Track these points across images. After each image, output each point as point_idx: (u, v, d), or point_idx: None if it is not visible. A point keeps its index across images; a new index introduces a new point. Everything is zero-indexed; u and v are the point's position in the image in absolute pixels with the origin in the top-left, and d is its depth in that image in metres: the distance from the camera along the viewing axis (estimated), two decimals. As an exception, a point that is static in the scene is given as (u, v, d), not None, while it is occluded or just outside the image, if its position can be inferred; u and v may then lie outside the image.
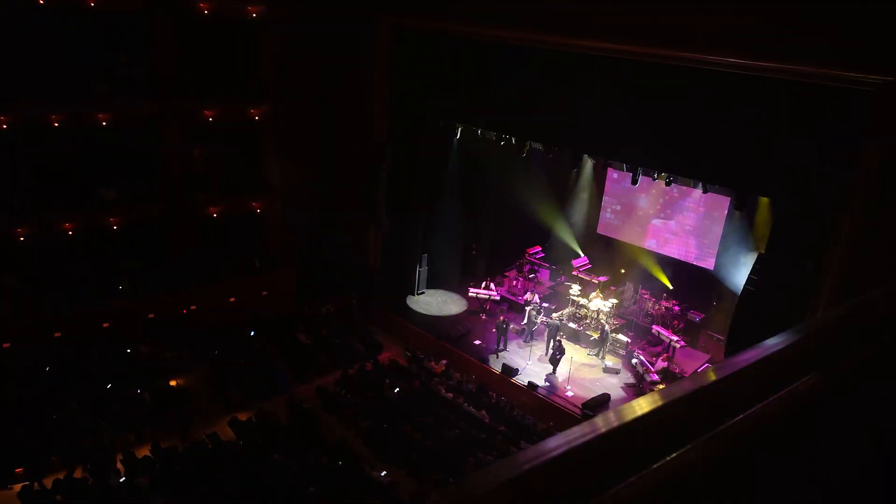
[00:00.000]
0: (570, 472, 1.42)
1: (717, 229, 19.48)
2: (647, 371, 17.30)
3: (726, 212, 19.06)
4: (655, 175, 18.33)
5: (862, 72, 12.02)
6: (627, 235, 21.83)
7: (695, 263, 20.25)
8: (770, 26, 12.75)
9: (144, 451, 14.39)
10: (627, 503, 1.26)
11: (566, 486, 1.37)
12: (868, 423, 1.88)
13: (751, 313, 14.38)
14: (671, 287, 20.40)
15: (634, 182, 17.76)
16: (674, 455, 1.37)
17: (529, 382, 17.32)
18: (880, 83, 11.88)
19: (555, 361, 17.76)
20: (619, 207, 22.06)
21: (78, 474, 13.34)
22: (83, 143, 18.65)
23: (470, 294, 21.37)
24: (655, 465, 1.34)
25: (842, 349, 2.02)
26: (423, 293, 22.37)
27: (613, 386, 17.56)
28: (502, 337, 19.09)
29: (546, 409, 16.70)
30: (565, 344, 18.43)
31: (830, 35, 12.07)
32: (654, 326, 19.09)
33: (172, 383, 17.02)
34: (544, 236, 23.48)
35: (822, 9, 12.17)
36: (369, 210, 21.11)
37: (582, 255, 22.27)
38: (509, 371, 17.78)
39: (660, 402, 1.69)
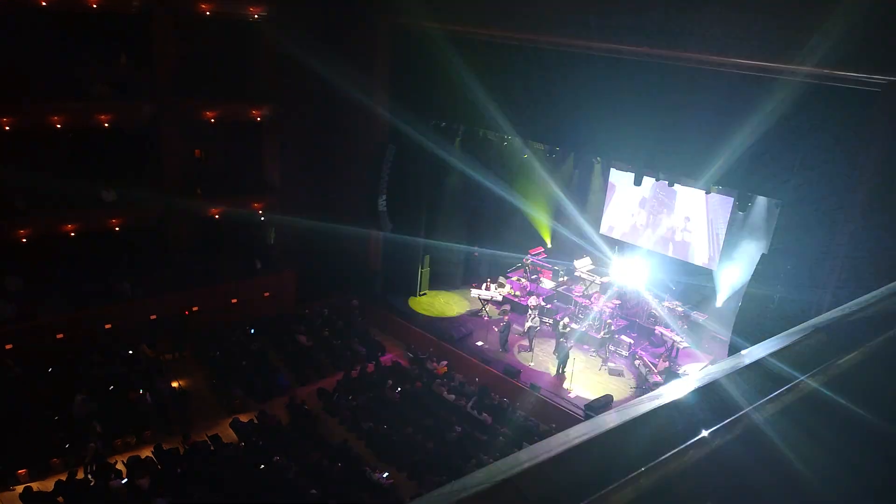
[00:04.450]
0: (569, 471, 1.40)
1: (721, 229, 19.43)
2: (650, 372, 17.25)
3: (730, 212, 19.01)
4: (658, 175, 18.30)
5: (866, 72, 11.98)
6: (630, 236, 21.79)
7: (698, 264, 20.20)
8: (774, 27, 12.72)
9: (146, 452, 14.39)
10: (626, 501, 1.24)
11: (565, 485, 1.35)
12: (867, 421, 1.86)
13: (754, 313, 14.34)
14: (674, 287, 20.35)
15: (638, 183, 17.72)
16: (672, 453, 1.35)
17: (532, 384, 17.28)
18: (884, 83, 11.84)
19: (563, 362, 17.77)
20: (621, 208, 22.01)
21: (80, 475, 13.33)
22: (84, 145, 18.65)
23: (472, 295, 21.33)
24: (654, 463, 1.31)
25: (844, 348, 2.00)
26: (424, 294, 22.35)
27: (616, 387, 17.50)
28: (504, 338, 19.06)
29: (548, 410, 16.65)
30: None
31: (834, 35, 12.02)
32: (656, 327, 19.04)
33: (174, 384, 17.01)
34: (547, 237, 23.44)
35: (826, 9, 12.14)
36: (371, 211, 21.10)
37: (584, 255, 22.23)
38: (511, 373, 17.74)
39: (660, 403, 1.66)
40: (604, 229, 22.52)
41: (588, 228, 22.47)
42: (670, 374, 17.16)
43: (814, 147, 13.09)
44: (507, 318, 19.47)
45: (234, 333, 19.24)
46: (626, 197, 21.76)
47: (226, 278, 20.47)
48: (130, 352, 17.76)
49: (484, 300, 21.04)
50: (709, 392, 1.70)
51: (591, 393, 17.12)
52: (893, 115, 11.95)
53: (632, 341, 18.91)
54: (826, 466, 1.60)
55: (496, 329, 19.29)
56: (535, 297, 20.09)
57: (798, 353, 1.92)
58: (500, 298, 21.08)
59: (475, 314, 21.23)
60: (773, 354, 1.90)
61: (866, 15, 11.72)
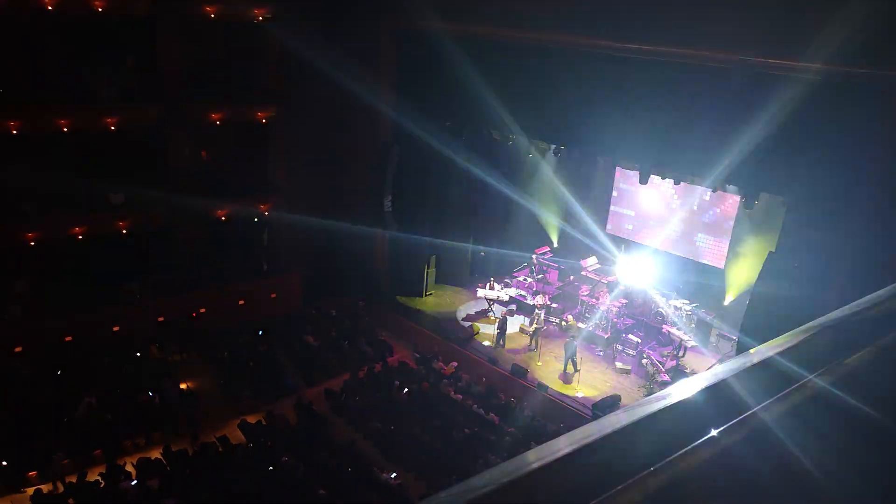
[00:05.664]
0: (577, 471, 1.40)
1: (728, 228, 19.37)
2: (658, 371, 17.20)
3: (737, 210, 18.95)
4: (665, 174, 18.27)
5: (874, 69, 11.92)
6: (637, 235, 21.74)
7: (705, 262, 20.14)
8: (783, 24, 12.67)
9: (155, 454, 14.44)
10: (635, 502, 1.24)
11: (573, 485, 1.35)
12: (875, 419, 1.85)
13: (762, 312, 14.28)
14: (681, 286, 20.29)
15: (643, 181, 17.68)
16: (681, 452, 1.35)
17: (539, 383, 17.26)
18: (893, 80, 11.79)
19: (573, 365, 17.73)
20: (627, 207, 21.96)
21: (90, 477, 13.39)
22: (92, 148, 18.73)
23: (478, 295, 21.33)
24: (663, 463, 1.31)
25: (852, 347, 1.99)
26: (431, 294, 22.35)
27: (624, 386, 17.46)
28: (501, 335, 19.06)
29: (556, 410, 16.63)
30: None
31: (843, 32, 11.96)
32: (664, 326, 18.98)
33: (182, 386, 17.07)
34: (553, 236, 23.42)
35: (835, 5, 12.08)
36: (377, 211, 21.11)
37: (591, 254, 22.20)
38: (519, 372, 17.73)
39: (668, 402, 1.66)
40: (610, 228, 22.48)
41: (594, 227, 22.44)
42: (678, 372, 17.11)
43: (822, 144, 13.03)
44: (503, 313, 19.43)
45: (242, 334, 19.30)
46: (632, 195, 21.72)
47: (233, 280, 20.54)
48: (138, 353, 17.84)
49: (490, 300, 21.03)
50: (717, 391, 1.70)
51: (598, 392, 17.09)
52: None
53: (639, 340, 18.86)
54: (834, 465, 1.60)
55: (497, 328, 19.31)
56: (541, 296, 20.07)
57: (806, 351, 1.92)
58: (506, 298, 21.06)
59: (482, 314, 21.21)
60: (781, 353, 1.90)
61: (875, 11, 11.66)
